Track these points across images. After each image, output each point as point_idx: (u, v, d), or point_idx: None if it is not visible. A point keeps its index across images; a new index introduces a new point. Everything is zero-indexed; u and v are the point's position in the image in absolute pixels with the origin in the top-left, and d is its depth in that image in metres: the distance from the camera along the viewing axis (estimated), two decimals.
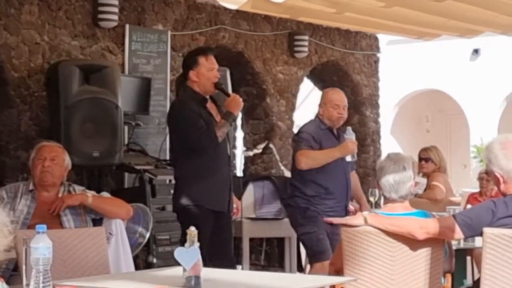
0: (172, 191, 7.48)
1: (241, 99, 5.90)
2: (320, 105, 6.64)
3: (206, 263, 5.55)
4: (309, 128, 6.53)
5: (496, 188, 8.85)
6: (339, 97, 6.69)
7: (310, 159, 6.34)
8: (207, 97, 5.91)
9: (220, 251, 5.88)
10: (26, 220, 5.29)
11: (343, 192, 6.52)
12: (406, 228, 4.21)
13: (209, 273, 3.66)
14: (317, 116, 6.66)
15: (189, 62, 5.95)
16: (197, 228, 5.64)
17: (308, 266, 7.30)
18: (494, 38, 13.75)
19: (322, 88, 12.08)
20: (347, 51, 11.47)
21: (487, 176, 8.72)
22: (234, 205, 6.10)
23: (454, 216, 4.15)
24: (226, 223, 6.01)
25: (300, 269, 8.70)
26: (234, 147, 10.27)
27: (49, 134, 7.15)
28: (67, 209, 5.38)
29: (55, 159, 5.47)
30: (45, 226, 2.91)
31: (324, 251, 6.29)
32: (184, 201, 5.83)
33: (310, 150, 6.36)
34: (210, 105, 5.92)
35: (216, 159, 5.84)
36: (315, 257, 6.34)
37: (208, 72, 5.83)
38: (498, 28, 10.13)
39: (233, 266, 5.96)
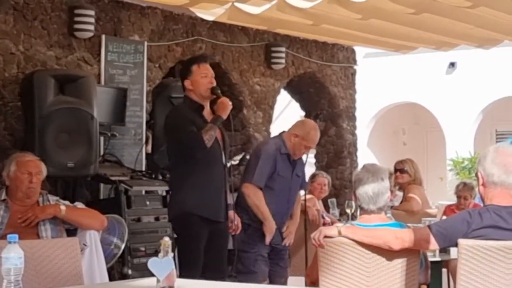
0: (148, 202, 7.49)
1: (229, 102, 5.86)
2: (291, 132, 6.44)
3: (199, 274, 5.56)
4: (271, 148, 6.40)
5: (473, 201, 8.88)
6: (316, 140, 6.61)
7: (252, 199, 6.29)
8: (204, 104, 5.90)
9: (213, 262, 5.85)
10: None
11: (282, 216, 6.47)
12: (382, 238, 4.19)
13: (183, 284, 3.62)
14: (282, 138, 6.51)
15: (184, 72, 5.98)
16: (191, 237, 5.69)
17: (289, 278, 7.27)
18: (470, 52, 13.84)
19: (299, 100, 12.12)
20: (324, 63, 11.50)
21: (465, 193, 8.75)
22: (235, 222, 6.05)
23: (429, 226, 4.14)
24: (222, 234, 5.95)
25: None
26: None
27: (24, 144, 7.10)
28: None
29: (39, 175, 5.44)
30: (16, 236, 2.88)
31: (258, 272, 6.30)
32: (178, 209, 5.79)
33: (258, 190, 6.27)
34: (207, 113, 5.90)
35: (209, 167, 5.79)
36: (247, 275, 6.30)
37: (201, 79, 5.84)
38: (474, 41, 10.20)
39: (223, 278, 5.90)
